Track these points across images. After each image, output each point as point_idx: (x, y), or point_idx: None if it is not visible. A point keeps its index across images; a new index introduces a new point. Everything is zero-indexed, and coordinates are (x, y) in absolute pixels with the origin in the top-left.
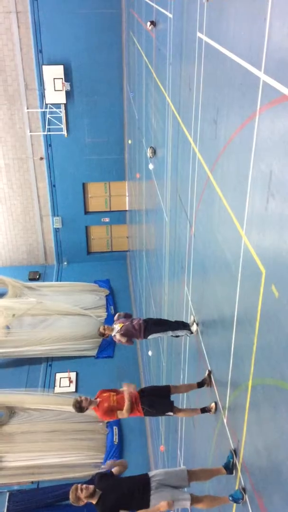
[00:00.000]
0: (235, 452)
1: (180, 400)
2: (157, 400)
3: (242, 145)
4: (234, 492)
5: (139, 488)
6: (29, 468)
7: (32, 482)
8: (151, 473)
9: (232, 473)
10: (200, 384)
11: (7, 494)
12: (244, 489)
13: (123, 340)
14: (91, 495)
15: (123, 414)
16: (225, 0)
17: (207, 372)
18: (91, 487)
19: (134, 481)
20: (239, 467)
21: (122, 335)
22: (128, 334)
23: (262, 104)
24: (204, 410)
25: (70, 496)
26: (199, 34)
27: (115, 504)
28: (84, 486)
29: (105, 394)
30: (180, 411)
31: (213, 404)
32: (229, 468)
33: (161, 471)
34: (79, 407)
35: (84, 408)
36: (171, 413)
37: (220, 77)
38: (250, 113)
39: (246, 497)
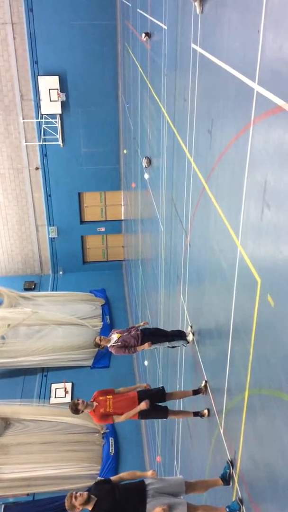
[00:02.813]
0: (231, 463)
1: (176, 407)
2: (152, 407)
3: (237, 155)
4: (231, 503)
5: (136, 496)
6: (24, 480)
7: (28, 494)
8: (147, 481)
9: (229, 484)
10: (196, 392)
11: (2, 506)
12: (241, 500)
13: (121, 352)
14: (86, 502)
15: (120, 418)
16: (219, 12)
17: (203, 383)
18: (85, 494)
19: (130, 488)
20: (236, 478)
21: (120, 347)
22: (126, 345)
23: (256, 115)
24: (197, 414)
25: (66, 504)
26: (193, 46)
27: (110, 510)
28: (78, 493)
29: (101, 398)
30: (173, 413)
31: (205, 411)
32: (226, 479)
33: (158, 479)
34: (75, 409)
35: (79, 411)
36: (165, 419)
37: (214, 88)
38: (244, 123)
39: (243, 508)
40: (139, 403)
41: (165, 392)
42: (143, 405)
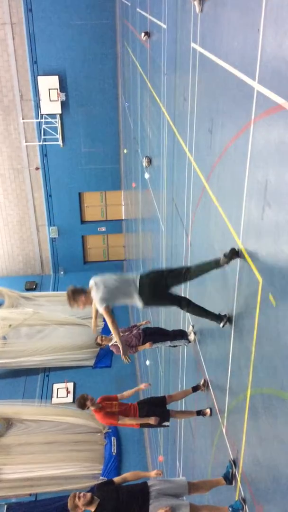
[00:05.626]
0: (234, 462)
1: (178, 408)
2: (154, 411)
3: (238, 154)
4: (234, 502)
5: (138, 497)
6: (27, 480)
7: (30, 494)
8: (150, 482)
9: (231, 483)
10: (195, 389)
11: (5, 506)
12: (244, 500)
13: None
14: (89, 503)
15: (124, 420)
16: (218, 11)
17: (202, 381)
18: (89, 494)
19: (133, 489)
20: (238, 477)
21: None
22: (127, 344)
23: (257, 113)
24: (199, 413)
25: (68, 504)
26: (193, 45)
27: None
28: (82, 494)
29: (107, 403)
30: (177, 413)
31: (207, 410)
32: (229, 478)
33: (161, 480)
34: (83, 404)
35: (86, 407)
36: (167, 424)
37: (214, 87)
38: (245, 122)
39: (246, 507)
40: (140, 414)
41: (166, 400)
42: (152, 420)
